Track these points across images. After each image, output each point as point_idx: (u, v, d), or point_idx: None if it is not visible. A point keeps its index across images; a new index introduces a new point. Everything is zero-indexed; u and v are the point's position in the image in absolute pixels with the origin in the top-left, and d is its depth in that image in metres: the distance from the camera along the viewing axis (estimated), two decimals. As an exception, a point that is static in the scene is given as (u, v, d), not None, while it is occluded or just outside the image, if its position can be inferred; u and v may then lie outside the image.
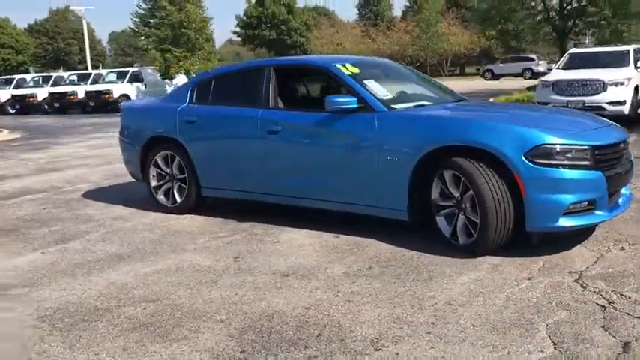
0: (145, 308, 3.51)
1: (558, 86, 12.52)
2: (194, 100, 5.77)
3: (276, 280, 3.90)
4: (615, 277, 3.69)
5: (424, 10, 50.44)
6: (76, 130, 17.61)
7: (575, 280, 3.68)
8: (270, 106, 5.23)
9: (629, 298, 3.37)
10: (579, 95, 12.12)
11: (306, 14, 60.81)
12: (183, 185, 5.79)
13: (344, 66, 5.08)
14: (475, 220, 4.10)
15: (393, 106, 4.74)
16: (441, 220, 4.40)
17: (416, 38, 50.16)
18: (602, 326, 3.02)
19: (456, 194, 4.24)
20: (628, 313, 3.16)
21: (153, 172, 5.98)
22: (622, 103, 11.81)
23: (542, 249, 4.20)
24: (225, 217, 5.58)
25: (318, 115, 4.91)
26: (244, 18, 58.03)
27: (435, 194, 4.38)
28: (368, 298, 3.53)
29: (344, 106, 4.62)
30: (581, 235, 4.48)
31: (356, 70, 5.07)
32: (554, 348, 2.81)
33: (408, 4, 65.83)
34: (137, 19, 33.62)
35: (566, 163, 3.96)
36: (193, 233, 5.14)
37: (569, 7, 22.77)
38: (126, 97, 23.12)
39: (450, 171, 4.22)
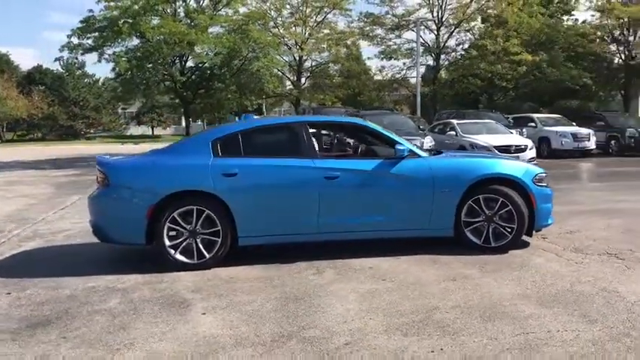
0: (458, 310, 4.31)
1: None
2: (221, 155, 5.86)
3: (462, 283, 5.04)
4: (597, 248, 6.21)
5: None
6: None
7: (583, 253, 6.06)
8: (319, 156, 6.00)
9: (631, 251, 5.99)
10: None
11: None
12: (212, 238, 5.75)
13: (370, 123, 6.38)
14: (511, 226, 6.08)
15: (425, 152, 6.31)
16: (469, 233, 6.20)
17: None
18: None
19: (487, 211, 6.13)
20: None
21: (166, 230, 5.69)
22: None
23: (523, 243, 6.42)
24: (249, 265, 5.81)
25: (374, 161, 6.06)
26: None
27: (464, 214, 6.16)
28: (541, 278, 5.13)
29: (404, 154, 5.97)
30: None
31: (379, 126, 6.41)
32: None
33: None
34: None
35: (544, 184, 6.40)
36: (280, 279, 5.38)
37: (189, 81, 25.86)
38: None
39: (486, 195, 6.10)
